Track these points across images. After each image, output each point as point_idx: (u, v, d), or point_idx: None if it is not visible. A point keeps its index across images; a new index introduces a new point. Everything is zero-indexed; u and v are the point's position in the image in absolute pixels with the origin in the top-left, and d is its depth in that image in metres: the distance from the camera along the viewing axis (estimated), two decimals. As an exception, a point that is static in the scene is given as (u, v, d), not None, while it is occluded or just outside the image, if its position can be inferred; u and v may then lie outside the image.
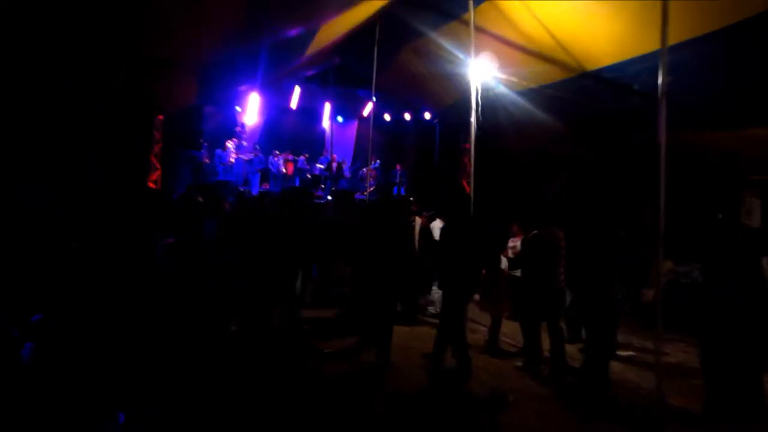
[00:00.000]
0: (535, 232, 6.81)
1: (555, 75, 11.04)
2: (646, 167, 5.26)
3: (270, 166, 17.70)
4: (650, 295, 7.59)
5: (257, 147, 17.70)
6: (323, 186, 18.43)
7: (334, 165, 18.75)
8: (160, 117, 13.68)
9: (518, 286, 7.47)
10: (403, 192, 18.84)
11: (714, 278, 5.74)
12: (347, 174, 19.46)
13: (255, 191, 16.17)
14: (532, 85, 12.12)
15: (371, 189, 17.34)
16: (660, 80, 5.17)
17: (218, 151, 16.69)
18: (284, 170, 17.81)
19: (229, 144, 16.81)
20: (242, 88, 15.54)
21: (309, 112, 19.24)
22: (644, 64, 8.81)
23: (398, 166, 19.77)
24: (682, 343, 7.74)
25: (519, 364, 7.00)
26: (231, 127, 17.53)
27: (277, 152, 18.02)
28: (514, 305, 8.17)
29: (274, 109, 18.69)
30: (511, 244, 9.16)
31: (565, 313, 7.47)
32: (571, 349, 7.21)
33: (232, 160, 16.70)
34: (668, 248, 4.99)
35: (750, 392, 5.41)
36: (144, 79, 10.80)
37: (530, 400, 5.95)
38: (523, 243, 7.08)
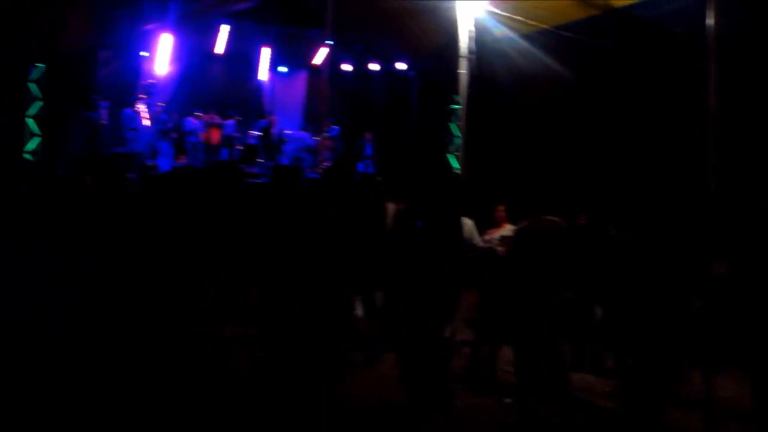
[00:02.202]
0: (528, 222, 7.24)
1: (573, 12, 11.92)
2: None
3: (187, 133, 17.97)
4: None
5: (169, 106, 17.81)
6: (260, 160, 18.27)
7: (275, 132, 18.83)
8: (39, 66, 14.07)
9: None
10: (371, 170, 19.14)
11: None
12: (292, 145, 19.42)
13: (164, 166, 16.21)
14: (544, 26, 12.98)
15: (327, 165, 17.35)
16: (709, 21, 5.70)
17: (128, 111, 16.51)
18: (207, 138, 18.15)
19: (140, 104, 16.91)
20: (150, 26, 15.92)
21: (241, 59, 19.36)
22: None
23: (366, 135, 19.60)
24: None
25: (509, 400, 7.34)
26: (135, 79, 17.68)
27: (198, 114, 18.13)
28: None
29: (194, 56, 18.72)
30: (487, 236, 9.45)
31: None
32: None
33: (147, 123, 16.83)
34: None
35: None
36: (15, 16, 11.30)
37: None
38: (516, 235, 7.49)
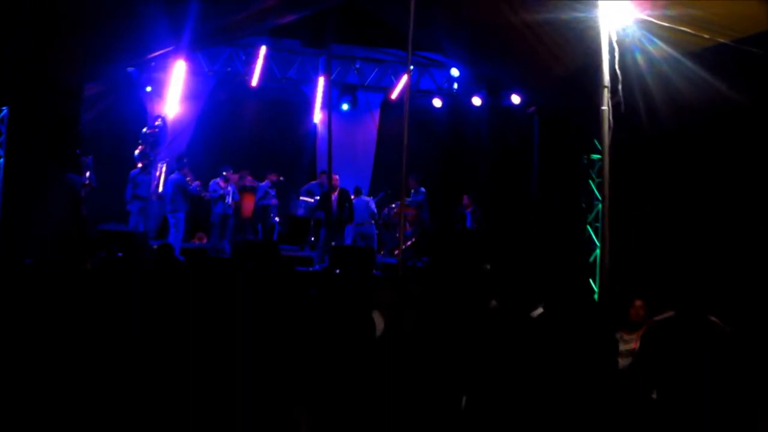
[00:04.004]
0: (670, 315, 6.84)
1: (763, 20, 10.67)
2: None
3: (211, 199, 17.26)
4: None
5: (184, 163, 17.12)
6: (312, 239, 17.88)
7: (335, 196, 17.36)
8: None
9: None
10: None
11: None
12: (359, 215, 18.36)
13: (177, 249, 15.67)
14: (721, 39, 11.69)
15: (413, 240, 17.98)
16: None
17: (133, 173, 16.35)
18: (237, 208, 17.52)
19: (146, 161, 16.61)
20: (159, 52, 15.74)
21: (286, 94, 19.56)
22: None
23: (465, 199, 18.61)
24: None
25: None
26: (136, 124, 17.51)
27: (226, 173, 17.27)
28: None
29: (220, 90, 18.74)
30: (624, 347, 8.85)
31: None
32: None
33: (160, 190, 16.57)
34: None
35: None
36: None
37: None
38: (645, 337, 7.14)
